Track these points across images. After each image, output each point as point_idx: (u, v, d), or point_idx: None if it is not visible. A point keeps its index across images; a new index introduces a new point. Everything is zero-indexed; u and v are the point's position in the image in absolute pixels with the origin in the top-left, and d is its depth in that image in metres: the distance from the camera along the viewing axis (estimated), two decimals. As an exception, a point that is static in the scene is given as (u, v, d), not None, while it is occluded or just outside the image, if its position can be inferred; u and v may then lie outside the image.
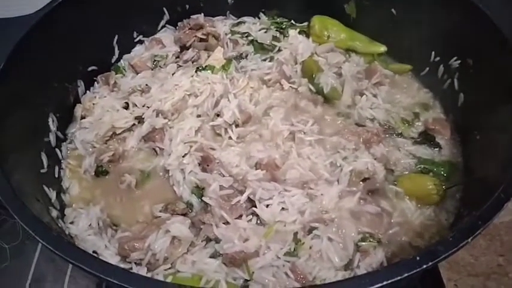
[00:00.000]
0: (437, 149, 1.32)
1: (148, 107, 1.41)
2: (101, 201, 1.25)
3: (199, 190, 1.21)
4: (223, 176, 1.21)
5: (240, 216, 1.12)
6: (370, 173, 1.19)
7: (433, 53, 1.44)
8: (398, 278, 0.69)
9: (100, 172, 1.31)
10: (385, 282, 0.68)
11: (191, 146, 1.30)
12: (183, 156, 1.28)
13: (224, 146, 1.31)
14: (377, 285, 0.69)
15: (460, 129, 1.34)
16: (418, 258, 0.71)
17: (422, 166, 1.26)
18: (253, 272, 1.02)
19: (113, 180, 1.30)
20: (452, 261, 1.28)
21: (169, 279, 1.02)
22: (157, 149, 1.33)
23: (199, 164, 1.26)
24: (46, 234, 0.81)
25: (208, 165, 1.25)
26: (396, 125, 1.36)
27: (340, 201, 1.15)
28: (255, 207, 1.13)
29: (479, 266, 1.30)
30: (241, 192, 1.16)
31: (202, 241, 1.11)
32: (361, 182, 1.19)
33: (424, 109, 1.43)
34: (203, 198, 1.18)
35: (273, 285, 1.00)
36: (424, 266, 0.70)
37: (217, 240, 1.09)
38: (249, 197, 1.14)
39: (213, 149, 1.30)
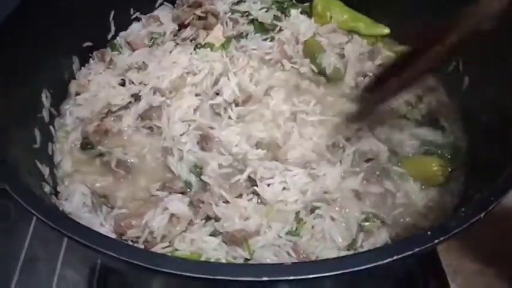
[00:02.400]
0: (440, 131, 1.29)
1: (145, 85, 1.37)
2: (94, 178, 1.21)
3: (197, 169, 1.18)
4: (223, 154, 1.18)
5: (240, 196, 1.10)
6: (374, 153, 1.17)
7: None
8: (409, 252, 0.66)
9: (86, 145, 1.27)
10: (395, 257, 0.65)
11: (190, 125, 1.26)
12: (181, 135, 1.25)
13: (224, 126, 1.27)
14: (386, 260, 0.66)
15: (464, 112, 1.31)
16: (429, 233, 0.69)
17: (426, 148, 1.23)
18: (253, 251, 1.00)
19: (105, 159, 1.24)
20: (452, 247, 1.27)
21: (167, 256, 0.99)
22: (154, 127, 1.29)
23: (197, 143, 1.23)
24: (39, 206, 0.77)
25: (207, 144, 1.21)
26: (399, 107, 1.33)
27: (343, 181, 1.12)
28: (256, 186, 1.10)
29: (478, 252, 1.29)
30: (241, 172, 1.13)
31: (201, 220, 1.08)
32: (364, 163, 1.17)
33: (428, 92, 1.39)
34: (202, 177, 1.14)
35: None
36: (436, 241, 0.68)
37: (216, 219, 1.07)
38: (249, 176, 1.11)
39: (212, 128, 1.26)
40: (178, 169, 1.18)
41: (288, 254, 0.99)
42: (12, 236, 1.43)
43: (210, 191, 1.09)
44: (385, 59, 1.43)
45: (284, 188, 1.09)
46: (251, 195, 1.10)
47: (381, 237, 1.01)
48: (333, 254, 0.99)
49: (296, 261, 0.98)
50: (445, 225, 0.70)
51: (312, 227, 1.04)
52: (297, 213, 1.07)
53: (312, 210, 1.07)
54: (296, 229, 1.04)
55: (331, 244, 1.01)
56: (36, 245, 1.42)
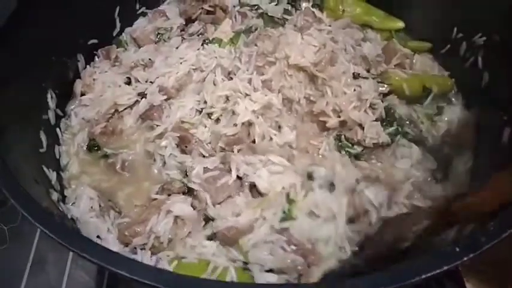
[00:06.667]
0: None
1: (151, 82, 1.32)
2: (99, 181, 1.19)
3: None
4: (204, 156, 1.13)
5: (229, 197, 1.05)
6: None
7: (455, 29, 1.34)
8: (437, 271, 0.62)
9: (92, 146, 1.24)
10: (423, 276, 0.61)
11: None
12: (159, 138, 1.20)
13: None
14: (413, 280, 0.62)
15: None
16: (457, 249, 0.64)
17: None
18: (247, 252, 0.96)
19: (111, 160, 1.22)
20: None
21: (173, 265, 0.96)
22: (155, 127, 1.24)
23: (177, 146, 1.18)
24: (44, 219, 0.74)
25: (186, 146, 1.16)
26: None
27: None
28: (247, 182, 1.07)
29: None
30: (228, 172, 1.07)
31: (200, 221, 1.04)
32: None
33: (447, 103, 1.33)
34: (188, 184, 1.09)
35: (272, 264, 0.94)
36: (465, 259, 0.63)
37: (213, 220, 1.03)
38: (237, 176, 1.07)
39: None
40: (164, 177, 1.15)
41: (283, 248, 0.95)
42: (20, 239, 1.41)
43: (197, 197, 1.05)
44: (402, 58, 1.36)
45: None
46: (246, 191, 1.07)
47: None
48: (330, 230, 0.96)
49: (293, 254, 0.94)
50: (475, 240, 0.66)
51: (304, 197, 1.01)
52: (287, 194, 1.03)
53: (310, 176, 1.05)
54: (289, 211, 1.00)
55: (328, 216, 0.99)
56: (44, 247, 1.40)
